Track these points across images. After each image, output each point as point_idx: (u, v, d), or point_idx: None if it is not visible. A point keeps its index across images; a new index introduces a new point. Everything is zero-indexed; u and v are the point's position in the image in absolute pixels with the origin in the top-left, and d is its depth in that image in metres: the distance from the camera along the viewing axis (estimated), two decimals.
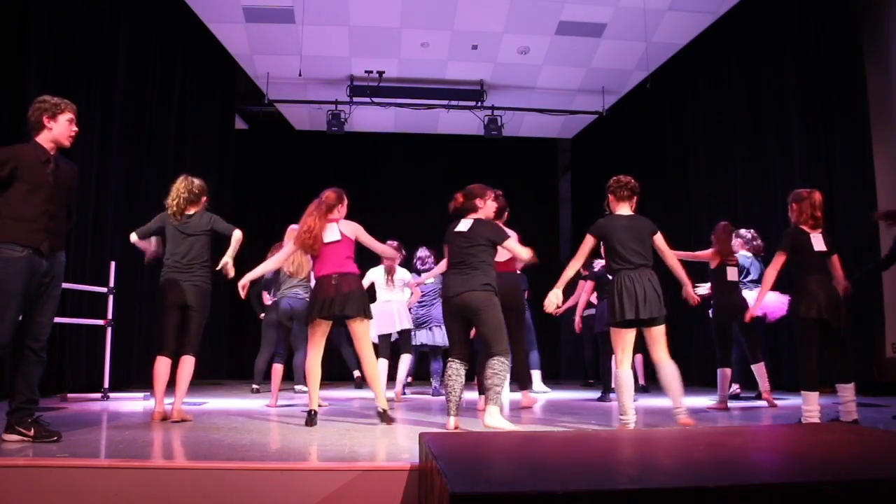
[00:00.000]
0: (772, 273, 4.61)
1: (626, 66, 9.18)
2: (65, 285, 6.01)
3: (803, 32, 7.51)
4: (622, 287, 4.13)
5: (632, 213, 4.40)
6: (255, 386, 7.33)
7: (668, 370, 4.17)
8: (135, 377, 7.45)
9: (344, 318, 4.47)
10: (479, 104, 9.68)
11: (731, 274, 5.80)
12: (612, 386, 5.49)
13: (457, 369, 4.15)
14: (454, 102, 9.67)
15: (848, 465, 2.37)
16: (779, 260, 4.55)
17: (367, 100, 9.45)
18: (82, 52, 6.61)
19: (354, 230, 4.59)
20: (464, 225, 4.33)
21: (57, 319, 5.92)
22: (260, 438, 3.79)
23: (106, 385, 6.22)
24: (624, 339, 4.17)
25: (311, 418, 4.32)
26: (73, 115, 3.63)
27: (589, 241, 4.32)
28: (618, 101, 10.05)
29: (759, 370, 5.86)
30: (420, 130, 11.01)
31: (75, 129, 3.66)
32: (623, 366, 4.16)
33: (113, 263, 6.44)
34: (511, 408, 5.75)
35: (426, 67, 9.30)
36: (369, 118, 10.32)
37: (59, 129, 3.58)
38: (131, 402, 6.02)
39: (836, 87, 7.15)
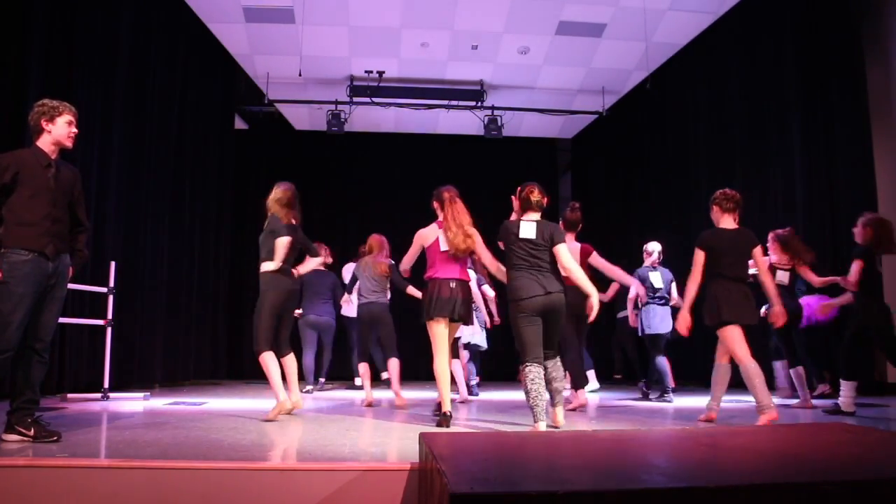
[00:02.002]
0: None
1: (626, 66, 9.18)
2: None
3: (803, 32, 7.51)
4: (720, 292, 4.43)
5: (737, 227, 4.60)
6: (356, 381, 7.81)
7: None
8: (137, 377, 7.45)
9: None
10: (479, 104, 9.68)
11: (780, 277, 5.89)
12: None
13: (539, 373, 4.08)
14: (454, 102, 9.66)
15: (848, 465, 2.37)
16: None
17: (367, 100, 9.44)
18: (82, 53, 6.61)
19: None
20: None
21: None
22: (260, 438, 3.79)
23: (106, 385, 6.22)
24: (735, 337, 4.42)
25: (446, 419, 4.39)
26: (72, 116, 3.67)
27: (701, 256, 4.52)
28: (618, 101, 10.05)
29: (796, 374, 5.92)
30: (420, 130, 11.01)
31: (75, 130, 3.69)
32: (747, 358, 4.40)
33: (113, 263, 6.44)
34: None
35: (426, 67, 9.29)
36: (369, 118, 10.32)
37: (58, 132, 3.61)
38: (131, 402, 6.02)
39: (836, 86, 7.15)
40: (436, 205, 4.78)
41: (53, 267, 3.58)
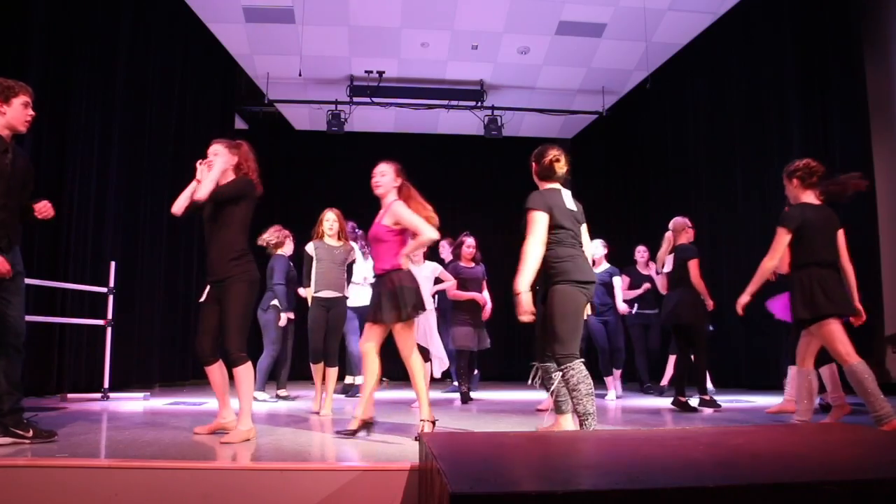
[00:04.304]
0: None
1: (626, 66, 9.18)
2: (65, 285, 6.05)
3: (803, 32, 7.51)
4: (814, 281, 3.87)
5: (821, 203, 4.07)
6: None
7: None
8: (135, 377, 7.45)
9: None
10: (479, 104, 9.68)
11: None
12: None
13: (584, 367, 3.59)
14: (454, 102, 9.67)
15: (848, 465, 2.37)
16: None
17: (367, 100, 9.44)
18: (82, 52, 6.61)
19: None
20: (571, 200, 3.78)
21: (57, 319, 5.97)
22: (260, 438, 3.79)
23: (106, 385, 6.22)
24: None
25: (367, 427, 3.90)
26: (29, 97, 3.44)
27: (785, 238, 3.97)
28: (618, 101, 10.05)
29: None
30: (420, 130, 11.01)
31: (32, 113, 3.46)
32: (852, 357, 3.77)
33: (113, 263, 6.44)
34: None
35: (426, 67, 9.29)
36: (369, 118, 10.32)
37: (13, 114, 3.38)
38: (131, 402, 6.02)
39: (836, 85, 7.15)
40: (398, 178, 4.17)
41: (10, 259, 3.41)
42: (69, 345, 6.36)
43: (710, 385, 6.07)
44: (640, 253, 7.83)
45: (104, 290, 6.35)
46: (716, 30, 8.34)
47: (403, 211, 3.94)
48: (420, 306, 3.89)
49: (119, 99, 7.25)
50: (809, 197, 4.07)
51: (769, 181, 7.91)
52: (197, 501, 2.72)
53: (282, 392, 6.65)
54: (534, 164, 3.84)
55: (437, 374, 6.11)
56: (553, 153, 3.77)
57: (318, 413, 5.23)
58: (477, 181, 11.30)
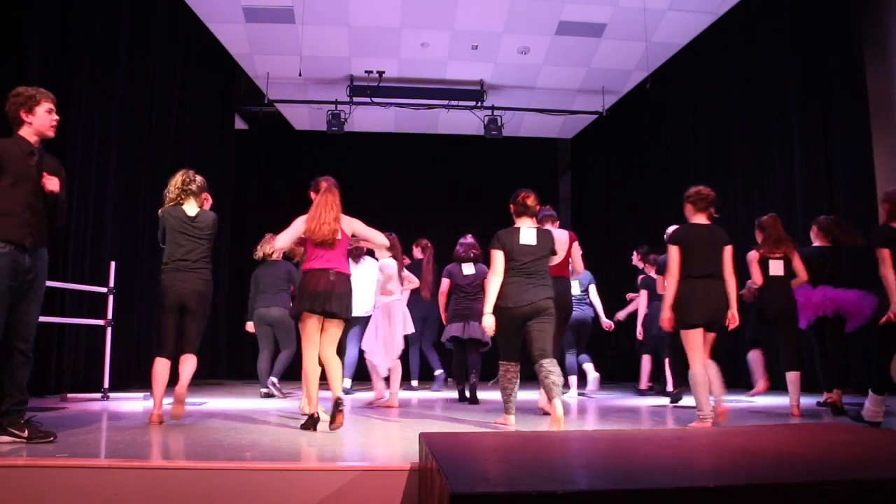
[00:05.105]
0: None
1: (626, 66, 9.18)
2: (65, 285, 6.05)
3: (803, 32, 7.52)
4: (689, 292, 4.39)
5: (709, 224, 4.55)
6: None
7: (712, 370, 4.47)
8: (134, 377, 7.45)
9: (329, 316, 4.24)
10: (479, 104, 9.68)
11: (774, 268, 5.36)
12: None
13: (512, 370, 4.34)
14: (454, 102, 9.67)
15: (848, 465, 2.37)
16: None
17: (367, 100, 9.44)
18: (82, 52, 6.60)
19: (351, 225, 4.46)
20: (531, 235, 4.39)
21: (56, 319, 5.96)
22: (260, 438, 3.79)
23: (106, 385, 6.22)
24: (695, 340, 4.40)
25: (312, 423, 4.12)
26: (52, 104, 3.51)
27: (675, 252, 4.45)
28: (618, 101, 10.05)
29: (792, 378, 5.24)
30: (420, 130, 11.01)
31: (56, 118, 3.54)
32: (696, 365, 4.36)
33: (113, 263, 6.44)
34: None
35: (426, 67, 9.30)
36: (369, 118, 10.32)
37: (39, 122, 3.47)
38: (131, 402, 6.01)
39: (836, 86, 7.15)
40: (312, 194, 4.58)
41: (31, 261, 3.44)
42: (69, 345, 6.36)
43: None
44: (637, 258, 7.72)
45: (104, 290, 6.34)
46: (716, 30, 8.34)
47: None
48: (308, 308, 4.23)
49: (119, 99, 7.24)
50: (700, 218, 4.53)
51: (769, 182, 7.92)
52: (197, 501, 2.72)
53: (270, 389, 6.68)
54: (511, 206, 4.50)
55: (384, 374, 5.93)
56: (523, 193, 4.48)
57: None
58: (477, 181, 11.30)
